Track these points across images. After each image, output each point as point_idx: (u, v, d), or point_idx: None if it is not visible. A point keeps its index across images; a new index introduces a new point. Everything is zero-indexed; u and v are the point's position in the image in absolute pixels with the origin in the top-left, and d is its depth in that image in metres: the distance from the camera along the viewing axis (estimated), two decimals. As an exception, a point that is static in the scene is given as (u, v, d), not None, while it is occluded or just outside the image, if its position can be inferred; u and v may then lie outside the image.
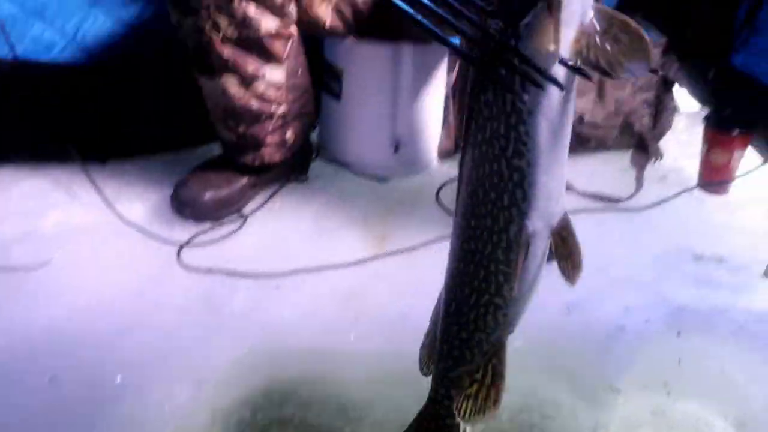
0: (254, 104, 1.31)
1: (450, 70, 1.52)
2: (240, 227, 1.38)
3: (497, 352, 0.77)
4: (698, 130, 1.63)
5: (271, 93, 1.31)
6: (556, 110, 0.66)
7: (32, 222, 1.37)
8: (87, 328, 1.13)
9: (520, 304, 0.75)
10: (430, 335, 0.82)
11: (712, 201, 1.53)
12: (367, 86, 1.46)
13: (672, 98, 1.71)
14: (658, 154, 1.37)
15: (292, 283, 1.25)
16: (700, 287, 1.28)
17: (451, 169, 1.55)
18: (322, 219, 1.43)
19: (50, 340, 1.11)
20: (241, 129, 1.33)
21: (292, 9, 1.27)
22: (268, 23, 1.24)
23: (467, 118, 0.69)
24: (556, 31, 0.57)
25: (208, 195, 1.37)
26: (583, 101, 1.60)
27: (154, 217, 1.41)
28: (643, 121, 1.66)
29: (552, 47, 0.57)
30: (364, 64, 1.44)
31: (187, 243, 1.32)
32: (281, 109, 1.34)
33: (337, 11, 1.33)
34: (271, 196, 1.46)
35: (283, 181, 1.49)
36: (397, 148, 1.49)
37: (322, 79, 1.50)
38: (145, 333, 1.12)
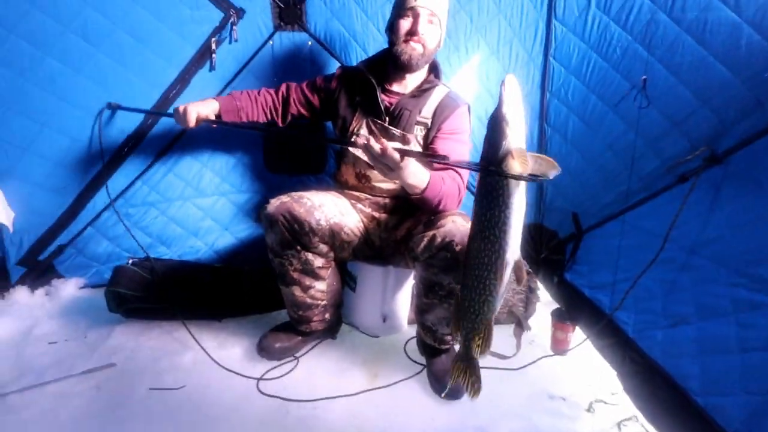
0: (308, 300, 1.41)
1: (415, 277, 1.53)
2: (295, 367, 1.46)
3: (488, 324, 1.00)
4: (547, 312, 1.67)
5: (318, 294, 1.41)
6: (519, 202, 0.91)
7: (174, 359, 1.45)
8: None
9: (499, 300, 0.98)
10: (454, 322, 1.04)
11: (558, 361, 1.56)
12: (369, 286, 1.53)
13: (536, 297, 1.75)
14: (528, 328, 1.43)
15: (323, 405, 1.30)
16: (552, 417, 1.33)
17: (412, 330, 1.58)
18: (341, 361, 1.49)
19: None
20: (300, 312, 1.43)
21: (332, 254, 1.40)
22: (317, 261, 1.36)
23: (474, 207, 0.95)
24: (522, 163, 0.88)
25: (278, 345, 1.48)
26: None
27: (245, 355, 1.51)
28: (519, 309, 1.73)
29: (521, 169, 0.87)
30: (368, 274, 1.52)
31: (262, 377, 1.40)
32: (323, 303, 1.43)
33: (355, 252, 1.47)
34: (313, 347, 1.55)
35: (321, 339, 1.57)
36: (384, 319, 1.56)
37: (345, 280, 1.58)
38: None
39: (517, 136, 0.91)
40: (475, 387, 1.06)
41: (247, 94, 1.51)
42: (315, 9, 1.71)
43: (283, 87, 1.54)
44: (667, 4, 1.29)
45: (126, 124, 1.63)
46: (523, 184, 0.91)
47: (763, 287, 1.11)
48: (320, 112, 1.55)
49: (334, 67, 1.79)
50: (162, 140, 1.72)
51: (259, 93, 1.52)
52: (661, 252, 1.37)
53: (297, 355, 1.51)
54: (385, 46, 1.70)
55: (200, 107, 1.39)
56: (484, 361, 1.47)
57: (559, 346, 1.62)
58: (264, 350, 1.48)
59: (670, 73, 1.34)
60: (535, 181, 0.88)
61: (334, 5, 1.70)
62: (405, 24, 1.34)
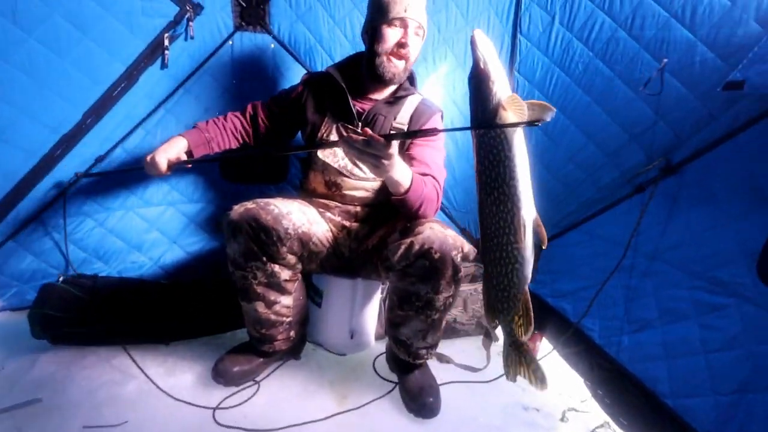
0: (272, 317, 1.31)
1: (382, 291, 1.56)
2: (255, 393, 1.34)
3: (525, 298, 0.91)
4: None
5: (283, 310, 1.32)
6: (521, 154, 0.86)
7: (114, 390, 1.29)
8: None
9: (527, 265, 0.90)
10: (486, 306, 0.97)
11: None
12: (336, 300, 1.47)
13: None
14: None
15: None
16: (529, 428, 1.32)
17: (381, 346, 1.57)
18: (306, 383, 1.41)
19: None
20: (263, 331, 1.33)
21: (299, 265, 1.31)
22: (284, 274, 1.27)
23: (477, 173, 0.89)
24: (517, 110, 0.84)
25: (236, 369, 1.36)
26: (456, 311, 1.74)
27: (198, 382, 1.37)
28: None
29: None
30: (335, 288, 1.46)
31: (219, 406, 1.28)
32: (288, 320, 1.34)
33: (322, 264, 1.38)
34: (275, 369, 1.45)
35: (284, 360, 1.47)
36: (352, 335, 1.50)
37: (309, 294, 1.49)
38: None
39: (502, 87, 0.86)
40: (538, 375, 0.97)
41: (213, 122, 1.44)
42: (279, 10, 1.64)
43: (249, 108, 1.48)
44: (627, 22, 1.36)
45: (59, 123, 1.44)
46: (521, 134, 0.86)
47: (722, 290, 1.17)
48: (290, 125, 1.48)
49: (297, 71, 1.72)
50: (101, 143, 1.53)
51: (226, 119, 1.46)
52: (623, 259, 1.41)
53: (258, 379, 1.40)
54: (351, 52, 1.68)
55: (168, 151, 1.30)
56: (454, 374, 1.51)
57: (527, 356, 1.61)
58: (220, 375, 1.35)
59: (629, 89, 1.41)
60: (532, 125, 0.83)
61: (299, 8, 1.64)
62: (394, 35, 1.28)
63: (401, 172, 1.11)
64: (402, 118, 1.39)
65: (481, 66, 0.87)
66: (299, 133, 1.53)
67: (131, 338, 1.46)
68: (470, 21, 1.67)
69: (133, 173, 1.59)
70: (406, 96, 1.40)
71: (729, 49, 1.18)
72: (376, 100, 1.41)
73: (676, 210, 1.33)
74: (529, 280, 0.91)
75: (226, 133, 1.44)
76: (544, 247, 0.91)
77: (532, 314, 0.92)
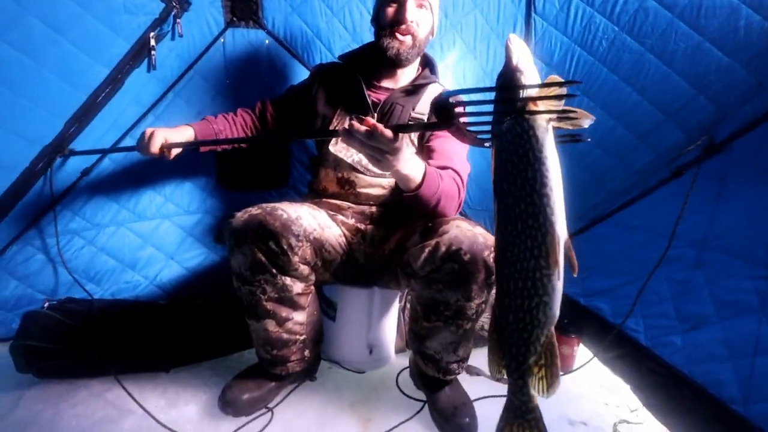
0: (284, 336, 1.20)
1: (401, 299, 1.46)
2: (269, 422, 1.20)
3: (550, 339, 0.70)
4: None
5: (297, 328, 1.21)
6: (554, 155, 0.69)
7: (108, 428, 1.16)
8: None
9: (557, 299, 0.69)
10: (492, 351, 0.74)
11: (567, 381, 1.40)
12: (351, 313, 1.37)
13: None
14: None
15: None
16: None
17: (402, 360, 1.46)
18: (325, 407, 1.28)
19: None
20: (275, 351, 1.22)
21: (313, 276, 1.20)
22: (297, 287, 1.17)
23: (494, 182, 0.70)
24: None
25: (246, 396, 1.23)
26: (484, 317, 1.59)
27: (204, 413, 1.24)
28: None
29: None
30: (350, 300, 1.36)
31: None
32: (302, 338, 1.23)
33: (335, 273, 1.28)
34: (289, 393, 1.32)
35: (299, 382, 1.35)
36: (371, 351, 1.39)
37: (321, 307, 1.38)
38: None
39: (533, 82, 0.71)
40: None
41: (223, 117, 1.37)
42: (272, 3, 1.52)
43: (258, 104, 1.42)
44: (657, -11, 1.24)
45: (39, 134, 1.31)
46: (551, 131, 0.69)
47: (791, 278, 1.02)
48: (300, 120, 1.38)
49: (294, 68, 1.60)
50: (88, 154, 1.40)
51: (236, 114, 1.40)
52: (668, 249, 1.28)
53: (270, 405, 1.27)
54: (354, 44, 1.57)
55: (171, 134, 1.20)
56: (487, 387, 1.37)
57: (564, 363, 1.51)
58: (228, 404, 1.22)
59: (662, 63, 1.29)
60: (575, 141, 0.68)
61: (294, -1, 1.52)
62: (390, 12, 1.20)
63: (411, 166, 0.98)
64: (422, 108, 1.27)
65: (514, 63, 0.71)
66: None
67: (127, 368, 1.32)
68: (479, 3, 1.55)
69: (126, 189, 1.49)
70: (426, 84, 1.29)
71: (780, 9, 1.06)
72: (393, 89, 1.29)
73: (725, 192, 1.20)
74: (557, 319, 0.70)
75: (236, 127, 1.36)
76: (574, 275, 0.70)
77: (558, 364, 0.70)
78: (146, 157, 1.20)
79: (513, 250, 0.69)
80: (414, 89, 1.28)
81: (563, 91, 0.68)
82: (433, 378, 1.26)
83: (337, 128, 1.28)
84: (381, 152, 0.88)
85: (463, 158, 1.24)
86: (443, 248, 1.04)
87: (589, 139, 0.68)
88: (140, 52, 1.40)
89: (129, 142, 1.46)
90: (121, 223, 1.53)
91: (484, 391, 1.35)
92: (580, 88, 1.47)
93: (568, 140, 0.70)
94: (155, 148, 1.17)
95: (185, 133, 1.25)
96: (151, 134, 1.17)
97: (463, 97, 0.74)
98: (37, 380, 1.29)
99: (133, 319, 1.39)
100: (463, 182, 1.17)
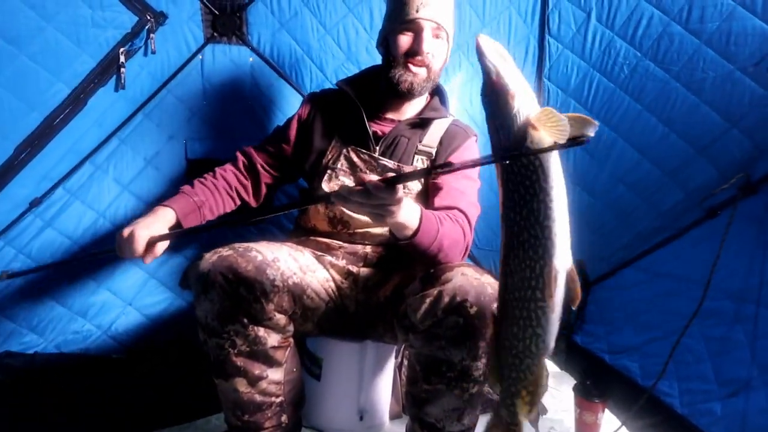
0: (258, 398, 1.16)
1: (396, 354, 1.47)
2: None
3: (540, 370, 0.81)
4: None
5: (272, 388, 1.17)
6: (559, 185, 0.75)
7: None
8: None
9: (551, 332, 0.79)
10: (492, 370, 0.85)
11: None
12: (339, 371, 1.37)
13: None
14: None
15: None
16: None
17: (398, 428, 1.44)
18: None
19: None
20: (246, 417, 1.17)
21: (291, 327, 1.18)
22: (272, 339, 1.14)
23: (503, 211, 0.78)
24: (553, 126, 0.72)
25: None
26: None
27: None
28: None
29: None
30: (339, 355, 1.37)
31: None
32: (278, 400, 1.20)
33: (320, 324, 1.27)
34: None
35: None
36: (361, 417, 1.39)
37: (304, 364, 1.37)
38: None
39: (526, 100, 0.75)
40: None
41: (200, 184, 1.30)
42: (259, 18, 1.58)
43: (240, 157, 1.37)
44: (682, 14, 1.32)
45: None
46: (558, 159, 0.74)
47: None
48: (299, 162, 1.36)
49: (281, 88, 1.66)
50: (38, 182, 1.42)
51: (215, 176, 1.33)
52: (704, 301, 1.29)
53: None
54: (348, 64, 1.63)
55: (152, 226, 1.11)
56: None
57: (587, 431, 1.49)
58: None
59: (690, 92, 1.34)
60: (574, 145, 0.71)
61: (283, 14, 1.59)
62: (405, 41, 1.22)
63: (405, 212, 0.98)
64: (430, 141, 1.30)
65: (494, 78, 0.75)
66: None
67: (71, 435, 1.28)
68: (488, 23, 1.63)
69: (81, 223, 1.47)
70: (435, 118, 1.32)
71: (816, 38, 1.12)
72: (397, 121, 1.32)
73: (765, 236, 1.22)
74: (550, 351, 0.80)
75: (219, 193, 1.30)
76: (573, 308, 0.80)
77: (541, 392, 0.82)
78: (127, 259, 1.12)
79: (513, 277, 0.78)
80: (421, 122, 1.32)
81: (563, 122, 0.72)
82: (433, 451, 1.23)
83: (330, 162, 1.30)
84: (383, 207, 0.90)
85: (473, 198, 1.26)
86: (446, 299, 1.04)
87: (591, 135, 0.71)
88: (107, 70, 1.44)
89: (88, 169, 1.49)
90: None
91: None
92: (600, 116, 1.53)
93: (568, 145, 0.72)
94: (140, 247, 1.07)
95: (165, 219, 1.17)
96: (131, 233, 1.07)
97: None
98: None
99: (82, 376, 1.39)
100: (470, 224, 1.19)
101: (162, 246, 1.12)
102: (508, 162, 0.76)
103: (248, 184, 1.37)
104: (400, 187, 0.88)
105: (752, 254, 1.25)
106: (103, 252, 1.19)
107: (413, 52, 1.23)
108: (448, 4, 1.27)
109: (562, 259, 0.76)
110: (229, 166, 1.37)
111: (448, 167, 0.89)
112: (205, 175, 1.33)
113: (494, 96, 0.76)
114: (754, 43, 1.22)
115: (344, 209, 1.25)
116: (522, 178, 0.75)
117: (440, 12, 1.24)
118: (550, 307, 0.77)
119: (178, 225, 1.20)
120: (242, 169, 1.37)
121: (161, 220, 1.17)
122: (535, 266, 0.76)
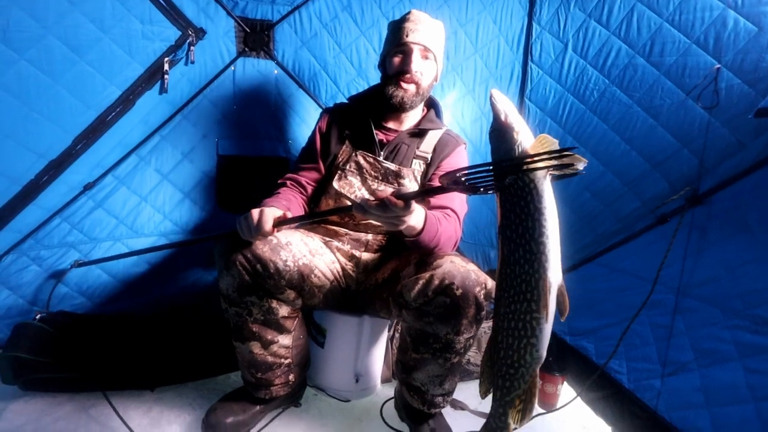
0: (270, 359, 1.22)
1: (389, 328, 1.51)
2: None
3: (533, 380, 0.79)
4: None
5: (282, 351, 1.23)
6: (551, 205, 0.76)
7: None
8: None
9: (544, 341, 0.76)
10: (483, 375, 0.82)
11: (549, 420, 1.43)
12: (341, 340, 1.39)
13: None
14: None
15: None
16: None
17: (388, 390, 1.48)
18: None
19: None
20: (259, 374, 1.23)
21: (299, 301, 1.22)
22: (283, 310, 1.19)
23: (499, 230, 0.78)
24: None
25: (230, 420, 1.23)
26: (471, 351, 1.62)
27: None
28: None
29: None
30: (340, 326, 1.38)
31: None
32: (287, 362, 1.25)
33: (326, 299, 1.28)
34: (273, 418, 1.32)
35: (284, 407, 1.35)
36: (357, 379, 1.42)
37: (311, 333, 1.42)
38: None
39: (526, 135, 0.79)
40: None
41: (280, 196, 1.28)
42: (284, 36, 1.60)
43: (288, 180, 1.35)
44: (646, 48, 1.33)
45: (48, 148, 1.35)
46: (550, 183, 0.77)
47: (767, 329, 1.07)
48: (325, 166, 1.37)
49: (300, 98, 1.68)
50: (91, 169, 1.44)
51: (288, 191, 1.33)
52: (652, 294, 1.32)
53: (254, 430, 1.28)
54: (359, 80, 1.65)
55: (274, 211, 1.08)
56: (470, 421, 1.38)
57: (547, 401, 1.53)
58: (212, 427, 1.22)
59: (649, 116, 1.36)
60: (569, 176, 0.74)
61: (304, 34, 1.60)
62: (397, 62, 1.27)
63: (414, 218, 1.01)
64: (426, 147, 1.33)
65: (503, 118, 0.80)
66: None
67: (112, 383, 1.32)
68: (479, 48, 1.64)
69: (126, 206, 1.51)
70: (431, 129, 1.35)
71: (757, 75, 1.14)
72: (398, 131, 1.35)
73: (705, 242, 1.25)
74: (542, 360, 0.78)
75: (298, 201, 1.31)
76: (562, 320, 0.78)
77: (535, 401, 0.80)
78: (247, 238, 1.08)
79: (509, 291, 0.77)
80: (419, 132, 1.35)
81: (556, 144, 0.75)
82: (417, 410, 1.27)
83: (341, 163, 1.33)
84: (397, 218, 0.93)
85: (463, 200, 1.30)
86: (436, 281, 1.08)
87: (584, 172, 0.74)
88: (153, 76, 1.46)
89: (133, 159, 1.51)
90: (118, 238, 1.55)
91: (467, 426, 1.36)
92: (572, 133, 1.55)
93: (563, 174, 0.76)
94: (269, 226, 1.05)
95: (275, 211, 1.11)
96: (261, 213, 1.05)
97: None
98: (21, 393, 1.28)
99: (121, 332, 1.39)
100: (460, 222, 1.24)
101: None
102: (508, 181, 0.77)
103: (307, 198, 1.36)
104: (413, 201, 0.91)
105: (695, 257, 1.28)
106: (221, 236, 1.19)
107: (403, 70, 1.26)
108: (437, 30, 1.30)
109: (554, 273, 0.76)
110: (286, 189, 1.33)
111: (456, 186, 0.87)
112: (279, 190, 1.31)
113: (502, 132, 0.79)
114: (705, 76, 1.24)
115: (353, 200, 1.28)
116: (518, 199, 0.75)
117: (428, 37, 1.27)
118: (545, 318, 0.75)
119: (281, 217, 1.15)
120: (299, 188, 1.35)
121: (274, 210, 1.11)
122: (530, 280, 0.75)
